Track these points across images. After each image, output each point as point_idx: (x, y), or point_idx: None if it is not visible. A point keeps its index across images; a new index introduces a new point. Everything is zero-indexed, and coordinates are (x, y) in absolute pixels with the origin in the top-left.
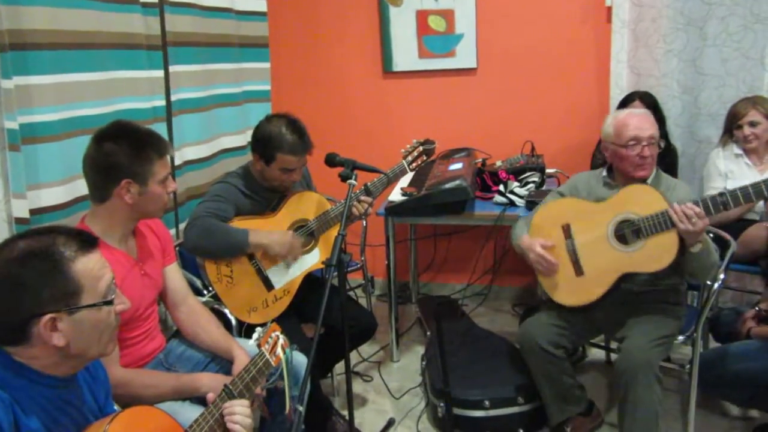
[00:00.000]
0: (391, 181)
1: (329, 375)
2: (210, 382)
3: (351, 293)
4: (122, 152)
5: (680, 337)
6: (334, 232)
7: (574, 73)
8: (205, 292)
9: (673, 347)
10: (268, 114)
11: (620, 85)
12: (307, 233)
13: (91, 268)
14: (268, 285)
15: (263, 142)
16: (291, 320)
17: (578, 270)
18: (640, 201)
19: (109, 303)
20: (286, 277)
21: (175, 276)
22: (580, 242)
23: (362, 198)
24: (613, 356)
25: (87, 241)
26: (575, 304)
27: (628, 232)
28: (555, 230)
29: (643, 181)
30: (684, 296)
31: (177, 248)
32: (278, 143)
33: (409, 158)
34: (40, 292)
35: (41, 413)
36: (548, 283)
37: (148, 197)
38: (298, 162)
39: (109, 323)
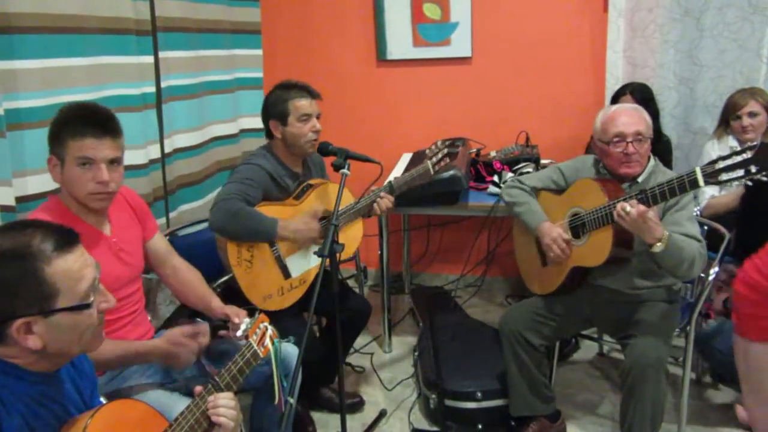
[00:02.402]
0: (415, 181)
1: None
2: (159, 343)
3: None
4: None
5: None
6: (355, 225)
7: (570, 63)
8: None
9: None
10: None
11: (616, 75)
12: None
13: (68, 268)
14: (286, 273)
15: (272, 104)
16: (296, 315)
17: (543, 260)
18: (587, 195)
19: (88, 306)
20: (304, 267)
21: (157, 241)
22: None
23: (384, 195)
24: (606, 348)
25: (66, 239)
26: (540, 293)
27: (577, 226)
28: None
29: (632, 178)
30: (679, 293)
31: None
32: (285, 95)
33: (434, 159)
34: (12, 295)
35: (23, 409)
36: (524, 271)
37: (67, 177)
38: (311, 106)
39: (90, 324)
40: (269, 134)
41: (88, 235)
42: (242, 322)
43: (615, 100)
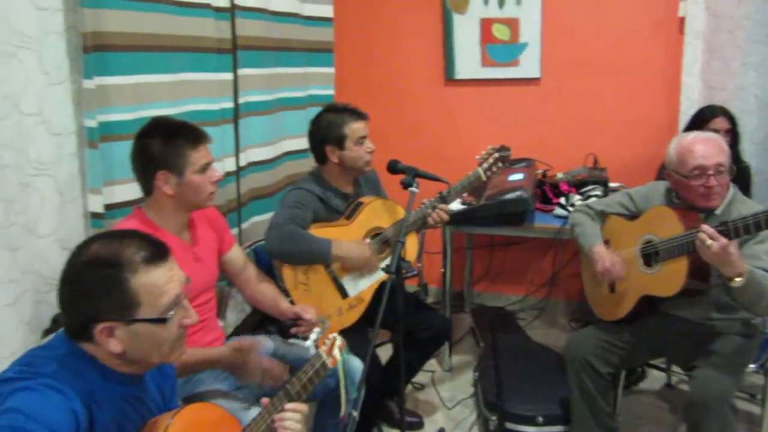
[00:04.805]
0: (466, 189)
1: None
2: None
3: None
4: (155, 145)
5: (752, 366)
6: (409, 240)
7: (642, 85)
8: None
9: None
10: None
11: (691, 97)
12: (382, 241)
13: (153, 282)
14: (343, 293)
15: (327, 129)
16: (361, 331)
17: (611, 287)
18: (662, 224)
19: (164, 321)
20: (360, 286)
21: (234, 253)
22: None
23: (438, 206)
24: (674, 379)
25: (157, 253)
26: (607, 320)
27: (650, 254)
28: None
29: (711, 211)
30: (758, 327)
31: (251, 248)
32: (340, 120)
33: (485, 165)
34: (98, 299)
35: (112, 406)
36: (590, 296)
37: (187, 187)
38: (366, 128)
39: (168, 337)
40: (321, 159)
41: (169, 244)
42: (313, 331)
43: (703, 123)
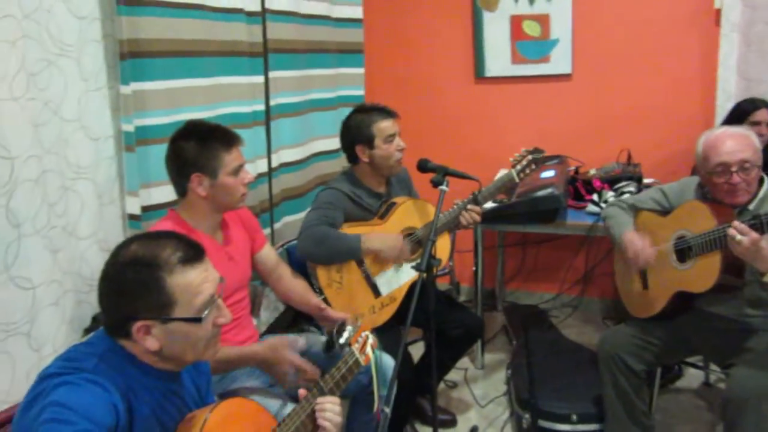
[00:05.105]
0: (499, 190)
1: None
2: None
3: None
4: (189, 147)
5: None
6: (441, 240)
7: (677, 79)
8: None
9: None
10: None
11: (728, 91)
12: (415, 241)
13: (189, 283)
14: (376, 291)
15: (357, 130)
16: (393, 329)
17: (644, 283)
18: (695, 218)
19: (199, 320)
20: (393, 285)
21: (267, 252)
22: None
23: (470, 207)
24: (712, 377)
25: (193, 254)
26: (640, 317)
27: (683, 249)
28: None
29: (744, 205)
30: None
31: (284, 247)
32: (368, 119)
33: (518, 167)
34: (135, 299)
35: (150, 400)
36: (624, 293)
37: (220, 189)
38: (394, 126)
39: (203, 336)
40: (353, 159)
41: (203, 244)
42: (346, 329)
43: (743, 115)
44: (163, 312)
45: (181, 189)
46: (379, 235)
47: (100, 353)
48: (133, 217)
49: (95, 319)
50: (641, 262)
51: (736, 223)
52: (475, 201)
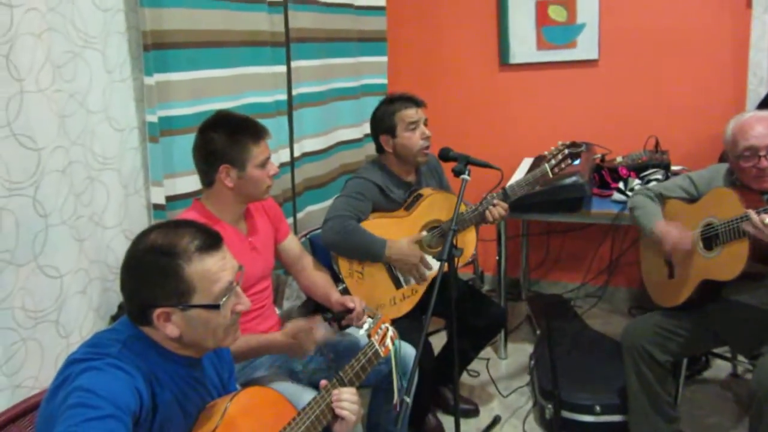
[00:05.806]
0: (531, 186)
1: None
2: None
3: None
4: (219, 139)
5: None
6: (467, 234)
7: (706, 63)
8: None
9: None
10: None
11: (759, 75)
12: (440, 234)
13: (207, 269)
14: (397, 283)
15: (380, 120)
16: (414, 319)
17: (670, 272)
18: (723, 205)
19: (217, 307)
20: None
21: (290, 242)
22: None
23: (497, 202)
24: (740, 368)
25: (211, 242)
26: (665, 306)
27: (711, 237)
28: None
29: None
30: None
31: (307, 237)
32: (391, 109)
33: (553, 162)
34: (156, 286)
35: (173, 386)
36: (649, 282)
37: (248, 180)
38: (417, 114)
39: (221, 323)
40: (380, 149)
41: (227, 234)
42: (366, 321)
43: None
44: (182, 299)
45: (208, 179)
46: (401, 247)
47: (123, 339)
48: (157, 207)
49: (121, 307)
50: (681, 252)
51: (751, 212)
52: (505, 196)
